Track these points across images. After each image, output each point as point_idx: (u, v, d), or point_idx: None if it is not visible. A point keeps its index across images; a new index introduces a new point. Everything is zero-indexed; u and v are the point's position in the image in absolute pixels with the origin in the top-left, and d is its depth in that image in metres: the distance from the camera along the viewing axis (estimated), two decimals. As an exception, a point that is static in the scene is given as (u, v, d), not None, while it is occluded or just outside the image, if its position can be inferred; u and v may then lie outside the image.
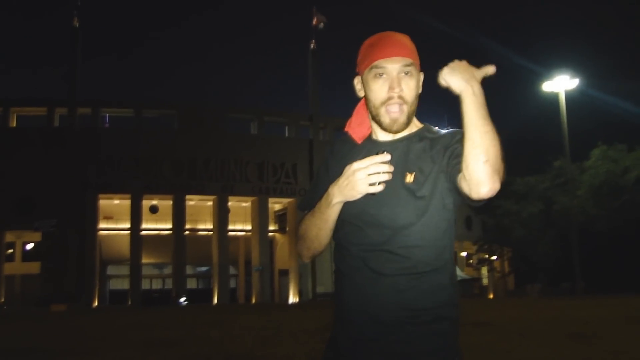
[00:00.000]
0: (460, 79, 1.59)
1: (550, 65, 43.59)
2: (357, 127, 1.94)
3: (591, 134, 41.68)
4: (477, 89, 1.60)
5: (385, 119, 1.81)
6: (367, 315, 1.76)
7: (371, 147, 1.85)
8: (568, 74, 40.79)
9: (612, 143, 40.37)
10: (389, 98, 1.79)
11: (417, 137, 1.87)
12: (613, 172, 39.70)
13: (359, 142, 1.92)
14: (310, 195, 1.97)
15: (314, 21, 58.91)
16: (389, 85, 1.79)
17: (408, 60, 1.79)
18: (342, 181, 1.72)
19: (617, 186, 39.37)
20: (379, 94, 1.80)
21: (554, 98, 41.69)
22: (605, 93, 48.97)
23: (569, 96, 40.69)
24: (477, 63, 1.67)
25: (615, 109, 46.41)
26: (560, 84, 40.59)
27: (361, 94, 1.90)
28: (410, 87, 1.81)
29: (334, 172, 1.86)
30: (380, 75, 1.79)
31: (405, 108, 1.80)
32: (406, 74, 1.80)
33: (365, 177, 1.67)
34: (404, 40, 1.83)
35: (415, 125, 1.90)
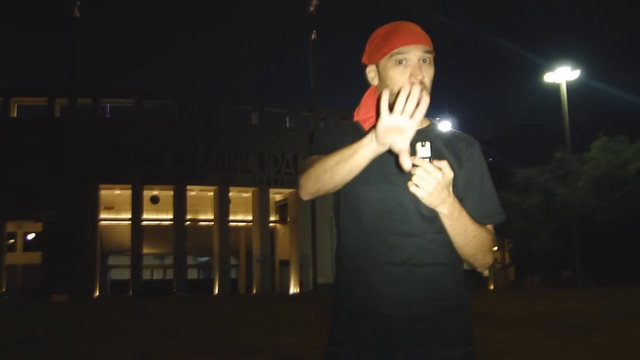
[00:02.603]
0: (431, 203, 1.61)
1: (551, 57, 43.51)
2: (366, 116, 1.91)
3: (592, 126, 41.59)
4: (449, 210, 1.64)
5: None
6: (395, 307, 1.74)
7: None
8: (569, 65, 40.68)
9: (613, 135, 40.28)
10: (411, 84, 1.76)
11: (430, 133, 1.87)
12: (614, 163, 39.67)
13: (368, 129, 1.86)
14: (320, 146, 1.84)
15: (311, 7, 58.87)
16: (411, 72, 1.77)
17: (428, 48, 1.79)
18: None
19: (618, 178, 39.36)
20: (400, 80, 1.76)
21: (555, 89, 41.62)
22: (606, 84, 48.75)
23: (570, 87, 40.60)
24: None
25: (616, 101, 46.21)
26: (562, 75, 40.49)
27: (374, 82, 1.87)
28: (429, 75, 1.80)
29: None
30: (401, 62, 1.77)
31: (425, 94, 1.76)
32: (425, 61, 1.78)
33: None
34: (421, 29, 1.82)
35: (424, 120, 1.90)
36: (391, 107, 1.55)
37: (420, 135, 1.83)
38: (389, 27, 1.82)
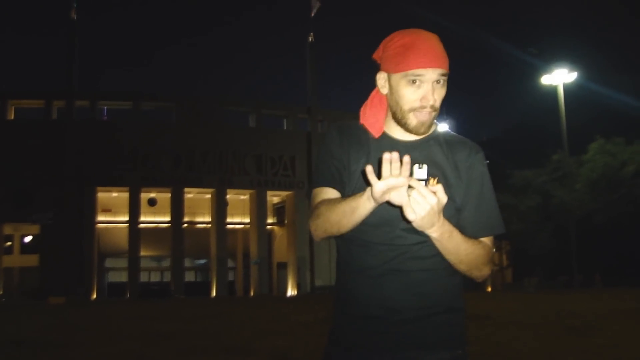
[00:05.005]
0: (421, 227, 1.61)
1: (548, 59, 43.61)
2: (372, 119, 1.90)
3: (589, 128, 41.69)
4: (438, 233, 1.64)
5: (413, 122, 1.79)
6: (383, 310, 1.78)
7: (388, 145, 1.81)
8: (567, 67, 40.81)
9: (611, 137, 40.38)
10: (422, 107, 1.77)
11: (434, 140, 1.87)
12: (611, 165, 39.75)
13: (376, 135, 1.88)
14: (324, 174, 1.88)
15: (313, 10, 58.92)
16: (424, 95, 1.76)
17: (445, 72, 1.77)
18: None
19: (615, 180, 39.43)
20: (411, 101, 1.77)
21: (552, 91, 41.75)
22: (604, 86, 48.88)
23: (568, 89, 40.75)
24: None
25: (613, 103, 46.34)
26: (559, 77, 40.62)
27: (384, 90, 1.86)
28: (441, 95, 1.79)
29: (356, 156, 1.85)
30: (414, 82, 1.76)
31: (434, 115, 1.80)
32: (439, 82, 1.77)
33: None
34: (440, 46, 1.78)
35: (433, 126, 1.90)
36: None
37: (423, 147, 1.84)
38: (409, 37, 1.78)
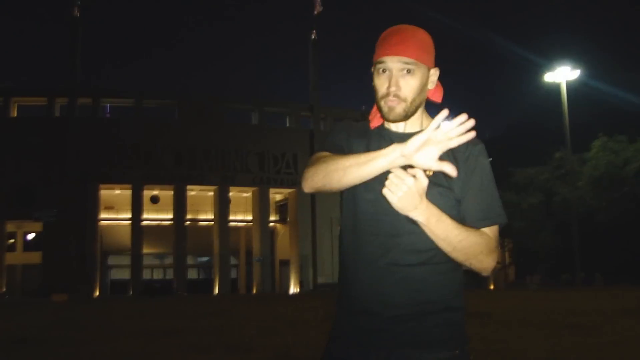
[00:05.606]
0: (402, 209, 1.62)
1: (551, 56, 43.57)
2: (373, 113, 1.95)
3: (592, 125, 41.64)
4: (423, 217, 1.64)
5: (384, 109, 1.83)
6: (381, 306, 1.77)
7: (387, 136, 1.88)
8: (569, 65, 40.72)
9: (613, 134, 40.30)
10: (387, 94, 1.81)
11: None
12: (613, 163, 39.69)
13: (374, 126, 1.94)
14: (328, 145, 1.94)
15: (316, 10, 58.92)
16: (388, 82, 1.81)
17: (409, 60, 1.79)
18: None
19: (618, 178, 39.36)
20: (380, 89, 1.83)
21: (555, 89, 41.66)
22: (606, 84, 48.85)
23: (570, 87, 40.64)
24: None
25: (616, 100, 46.31)
26: (562, 75, 40.53)
27: (373, 84, 1.92)
28: (411, 85, 1.81)
29: (357, 144, 1.90)
30: (384, 71, 1.82)
31: (403, 104, 1.82)
32: (408, 72, 1.80)
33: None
34: (414, 36, 1.81)
35: (427, 120, 1.91)
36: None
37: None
38: (389, 31, 1.85)
